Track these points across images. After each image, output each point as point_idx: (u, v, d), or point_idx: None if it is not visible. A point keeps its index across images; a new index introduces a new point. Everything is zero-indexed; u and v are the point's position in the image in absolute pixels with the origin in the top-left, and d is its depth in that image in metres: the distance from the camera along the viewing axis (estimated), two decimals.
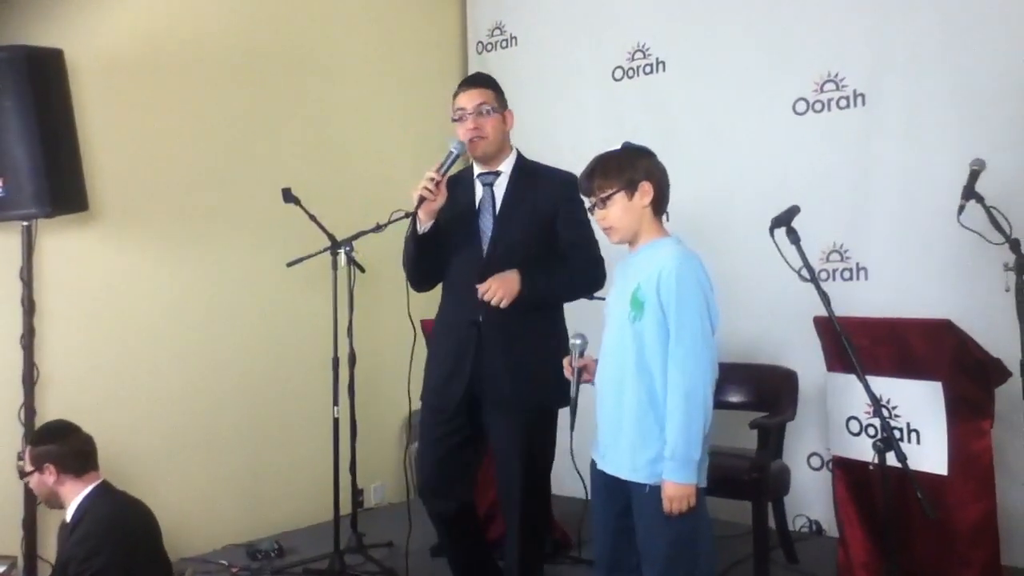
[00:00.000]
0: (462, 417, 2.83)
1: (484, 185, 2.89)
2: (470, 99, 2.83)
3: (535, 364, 2.73)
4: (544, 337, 2.78)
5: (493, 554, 3.08)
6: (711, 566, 2.32)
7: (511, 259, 2.77)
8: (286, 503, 4.37)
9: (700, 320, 2.21)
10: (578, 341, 2.46)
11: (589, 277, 2.85)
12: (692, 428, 2.17)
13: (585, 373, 2.45)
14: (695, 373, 2.18)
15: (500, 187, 2.88)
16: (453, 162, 2.75)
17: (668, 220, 2.35)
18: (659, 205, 2.34)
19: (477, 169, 2.92)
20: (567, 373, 2.46)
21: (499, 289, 2.68)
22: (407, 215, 2.87)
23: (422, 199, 2.69)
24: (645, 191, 2.31)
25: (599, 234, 2.58)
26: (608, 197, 2.33)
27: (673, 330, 2.21)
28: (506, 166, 2.90)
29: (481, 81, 2.91)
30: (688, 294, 2.21)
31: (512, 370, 2.75)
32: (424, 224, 2.75)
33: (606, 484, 2.37)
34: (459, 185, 2.90)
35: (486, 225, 2.84)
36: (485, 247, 2.82)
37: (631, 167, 2.32)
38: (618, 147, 2.39)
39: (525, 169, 2.92)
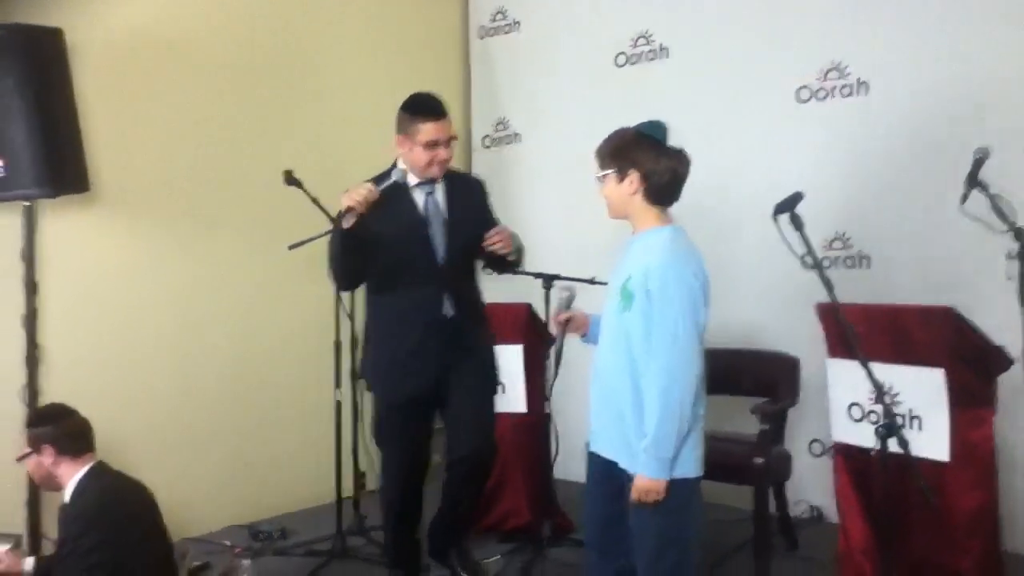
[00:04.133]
0: (425, 406, 3.12)
1: (425, 194, 3.08)
2: (443, 130, 3.01)
3: (487, 343, 3.21)
4: (486, 319, 3.26)
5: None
6: (698, 557, 2.35)
7: (463, 261, 3.09)
8: (288, 485, 4.39)
9: (681, 319, 2.20)
10: (566, 293, 2.53)
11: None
12: (665, 426, 2.19)
13: (572, 324, 2.50)
14: (671, 372, 2.19)
15: (439, 195, 3.10)
16: (391, 189, 2.92)
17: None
18: (655, 196, 2.31)
19: (412, 180, 3.07)
20: (553, 326, 2.57)
21: (508, 241, 2.99)
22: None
23: (350, 209, 2.80)
24: (632, 179, 2.30)
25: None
26: (603, 176, 2.35)
27: (654, 327, 2.22)
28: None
29: (446, 110, 3.06)
30: (670, 293, 2.21)
31: (473, 350, 3.12)
32: (349, 220, 2.82)
33: (601, 467, 2.39)
34: (395, 195, 2.99)
35: (437, 232, 3.05)
36: (440, 253, 3.04)
37: (623, 153, 2.31)
38: (631, 126, 2.36)
39: (453, 176, 3.17)
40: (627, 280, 2.30)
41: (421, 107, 3.04)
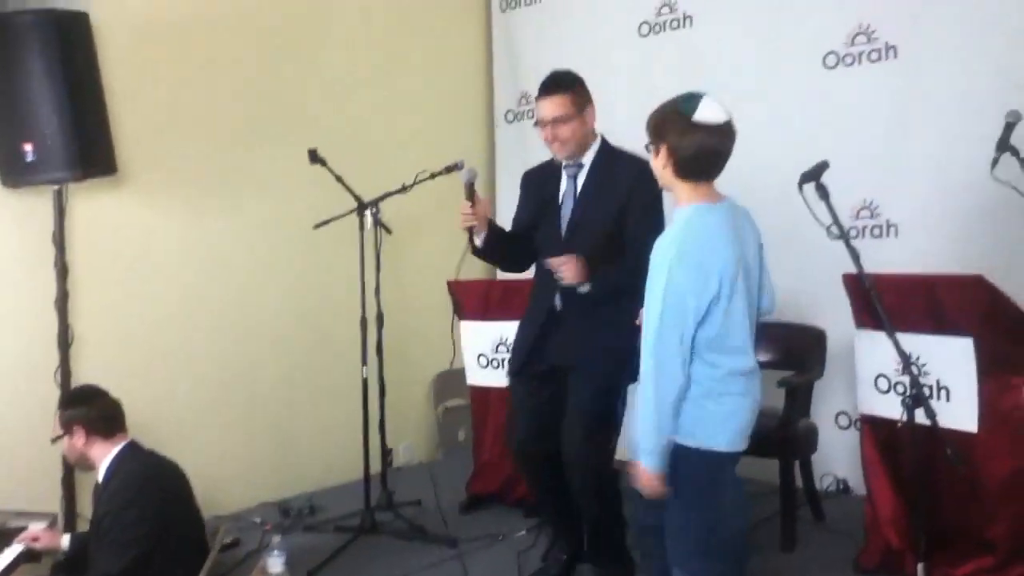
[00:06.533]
0: (541, 382, 3.07)
1: (568, 177, 3.04)
2: (548, 109, 2.91)
3: (603, 339, 2.88)
4: (614, 320, 2.84)
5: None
6: (734, 531, 2.34)
7: (587, 243, 2.89)
8: (317, 462, 4.44)
9: (661, 318, 2.18)
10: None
11: (636, 279, 2.80)
12: (644, 418, 2.21)
13: None
14: (646, 369, 2.21)
15: (582, 177, 3.02)
16: (471, 187, 2.97)
17: None
18: (682, 170, 2.28)
19: (564, 161, 3.03)
20: None
21: (570, 270, 2.80)
22: (432, 176, 3.29)
23: (470, 230, 2.96)
24: (661, 153, 2.29)
25: None
26: (649, 147, 2.35)
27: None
28: (588, 157, 3.02)
29: (560, 85, 2.92)
30: (656, 289, 2.21)
31: (583, 340, 2.93)
32: (479, 238, 2.98)
33: None
34: (544, 176, 3.12)
35: (567, 213, 3.00)
36: (563, 233, 2.99)
37: (656, 128, 2.30)
38: (673, 99, 2.32)
39: (605, 156, 3.03)
40: None
41: (541, 83, 2.97)
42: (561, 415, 3.01)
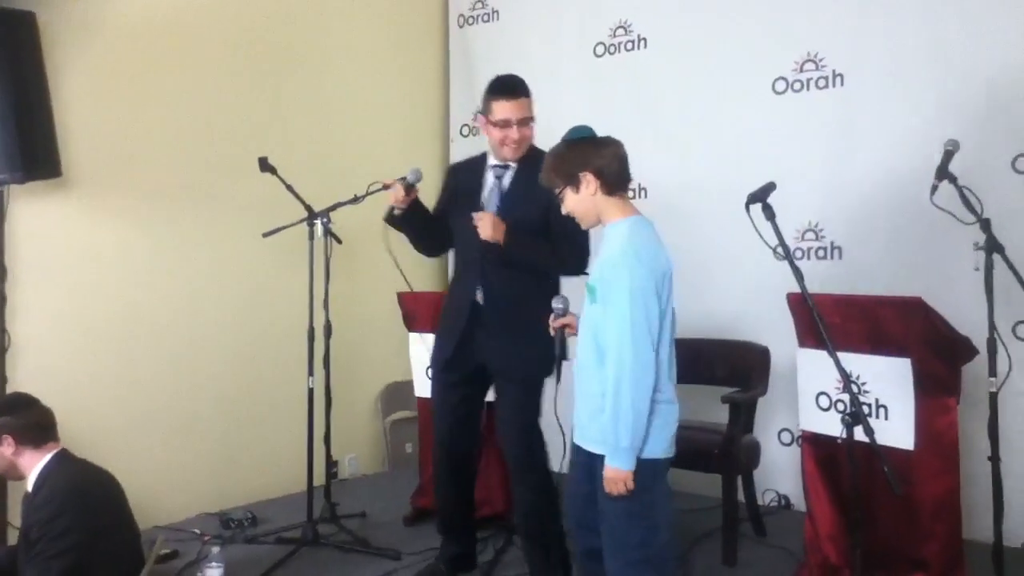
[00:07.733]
0: (465, 382, 3.15)
1: (494, 177, 3.10)
2: (517, 110, 3.00)
3: (526, 340, 2.91)
4: (534, 317, 2.82)
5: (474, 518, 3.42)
6: (668, 538, 2.37)
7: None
8: (260, 473, 4.38)
9: (631, 316, 2.23)
10: (560, 305, 2.55)
11: (569, 262, 3.00)
12: (619, 419, 2.23)
13: (569, 328, 2.55)
14: (621, 367, 2.23)
15: (508, 177, 3.09)
16: (411, 186, 3.07)
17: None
18: (612, 186, 2.35)
19: (492, 160, 3.11)
20: (551, 331, 2.56)
21: (488, 226, 2.88)
22: (385, 187, 3.18)
23: (393, 208, 3.08)
24: (588, 181, 2.34)
25: None
26: (560, 193, 2.39)
27: (608, 321, 2.27)
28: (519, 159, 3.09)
29: (524, 90, 3.05)
30: (622, 288, 2.24)
31: (506, 344, 3.01)
32: (399, 209, 3.08)
33: (578, 451, 2.44)
34: (469, 172, 3.18)
35: (491, 211, 3.03)
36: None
37: (566, 163, 2.36)
38: (560, 141, 2.41)
39: (533, 159, 3.05)
40: (591, 276, 2.36)
41: (496, 86, 3.06)
42: (479, 412, 3.20)
